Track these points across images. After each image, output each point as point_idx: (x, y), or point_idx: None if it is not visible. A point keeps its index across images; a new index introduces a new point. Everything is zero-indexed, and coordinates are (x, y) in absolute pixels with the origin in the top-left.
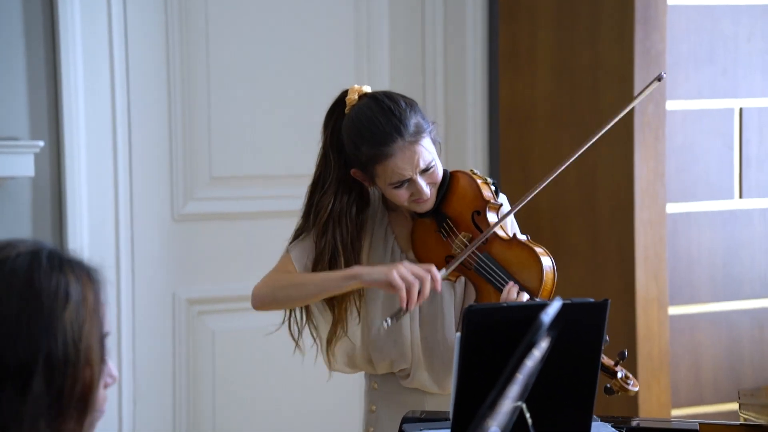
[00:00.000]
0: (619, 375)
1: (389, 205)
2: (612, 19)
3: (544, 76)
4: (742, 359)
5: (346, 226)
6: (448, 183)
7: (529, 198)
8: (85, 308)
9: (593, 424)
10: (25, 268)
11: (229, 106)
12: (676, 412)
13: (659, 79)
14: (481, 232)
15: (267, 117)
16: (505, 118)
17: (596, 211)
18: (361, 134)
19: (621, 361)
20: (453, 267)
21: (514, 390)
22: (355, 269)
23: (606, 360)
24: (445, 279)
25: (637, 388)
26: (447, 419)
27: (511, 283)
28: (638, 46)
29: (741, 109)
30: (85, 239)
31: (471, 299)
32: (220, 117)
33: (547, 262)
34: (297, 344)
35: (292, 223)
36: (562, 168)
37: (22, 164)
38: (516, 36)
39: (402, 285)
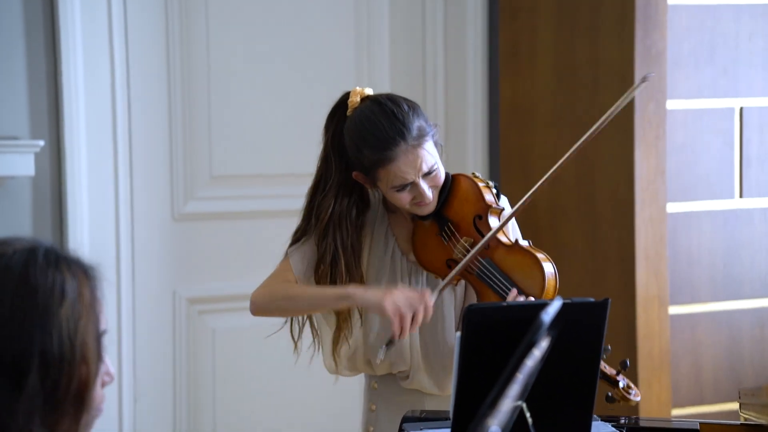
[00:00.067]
0: (621, 384)
1: (389, 207)
2: (612, 18)
3: (545, 75)
4: (742, 359)
5: (346, 228)
6: (449, 186)
7: (525, 201)
8: (81, 305)
9: (593, 423)
10: (21, 265)
11: (229, 105)
12: (676, 412)
13: (644, 80)
14: (483, 236)
15: (267, 116)
16: (506, 117)
17: (596, 211)
18: (363, 138)
19: (623, 371)
20: (452, 275)
21: (515, 389)
22: (349, 289)
23: (608, 369)
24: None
25: (638, 398)
26: (447, 419)
27: (514, 291)
28: (639, 45)
29: (741, 109)
30: (85, 239)
31: (471, 302)
32: (220, 116)
33: (548, 268)
34: (296, 345)
35: (293, 222)
36: (554, 169)
37: (23, 163)
38: (516, 35)
39: (395, 315)
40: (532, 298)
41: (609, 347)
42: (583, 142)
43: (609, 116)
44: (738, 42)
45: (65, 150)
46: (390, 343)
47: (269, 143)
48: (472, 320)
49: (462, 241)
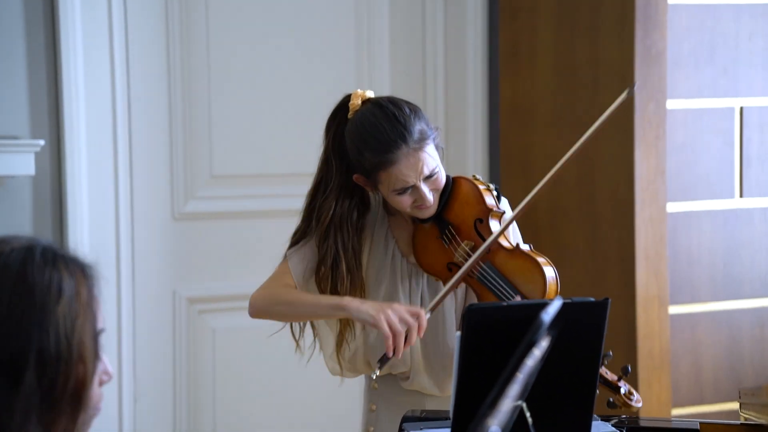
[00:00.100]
0: (623, 390)
1: (389, 209)
2: (612, 17)
3: (545, 75)
4: (742, 358)
5: (347, 231)
6: (450, 189)
7: (524, 206)
8: (78, 303)
9: (593, 423)
10: (19, 263)
11: (229, 105)
12: (676, 411)
13: (630, 92)
14: (484, 240)
15: (268, 115)
16: (506, 117)
17: (596, 210)
18: (364, 140)
19: (624, 377)
20: (452, 283)
21: (515, 389)
22: (345, 301)
23: (609, 375)
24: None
25: (640, 404)
26: (447, 418)
27: (517, 298)
28: (639, 44)
29: (742, 108)
30: (85, 238)
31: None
32: (220, 115)
33: (549, 272)
34: (297, 344)
35: (293, 222)
36: (549, 175)
37: (23, 163)
38: (516, 35)
39: (389, 333)
40: None
41: (610, 353)
42: (574, 151)
43: (595, 129)
44: (738, 42)
45: (65, 149)
46: (383, 360)
47: (269, 143)
48: (472, 320)
49: (463, 244)
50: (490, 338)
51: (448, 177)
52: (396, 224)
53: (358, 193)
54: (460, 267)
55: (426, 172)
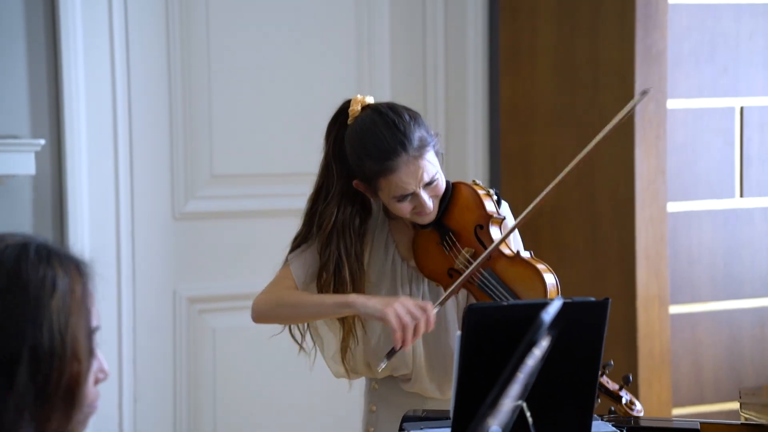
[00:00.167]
0: (624, 400)
1: (390, 213)
2: (613, 17)
3: (545, 75)
4: (743, 358)
5: (350, 236)
6: (450, 194)
7: (525, 216)
8: (72, 300)
9: (594, 423)
10: (13, 260)
11: (230, 104)
12: (676, 411)
13: (644, 93)
14: (484, 247)
15: (268, 115)
16: (506, 117)
17: (597, 210)
18: (364, 148)
19: (625, 386)
20: (453, 289)
21: (515, 389)
22: (351, 297)
23: (611, 385)
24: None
25: (641, 414)
26: (447, 418)
27: None
28: (639, 44)
29: (742, 108)
30: (85, 237)
31: None
32: (221, 115)
33: (550, 279)
34: (301, 347)
35: (293, 222)
36: (559, 178)
37: (23, 162)
38: (517, 35)
39: (398, 325)
40: None
41: (611, 362)
42: (581, 158)
43: (607, 131)
44: (738, 41)
45: (66, 149)
46: (391, 353)
47: (270, 142)
48: (472, 320)
49: (464, 252)
50: (491, 338)
51: (447, 182)
52: (396, 228)
53: (359, 198)
54: (460, 273)
55: (426, 179)
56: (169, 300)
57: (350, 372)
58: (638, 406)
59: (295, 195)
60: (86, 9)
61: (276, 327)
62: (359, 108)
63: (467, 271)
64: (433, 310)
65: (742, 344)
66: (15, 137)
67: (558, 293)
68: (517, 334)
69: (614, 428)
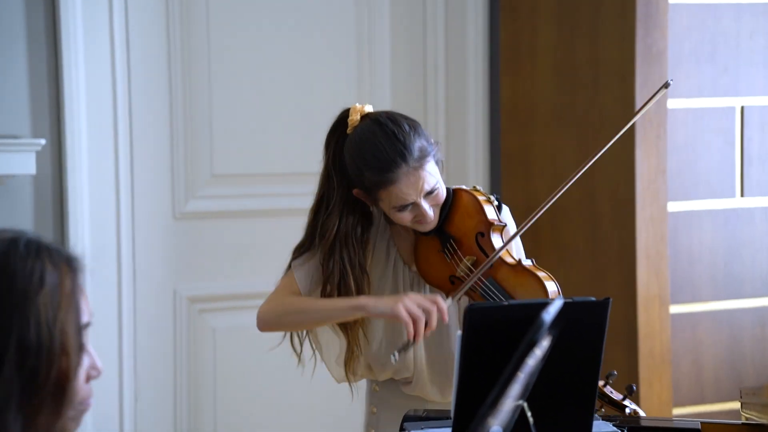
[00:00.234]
0: (628, 410)
1: (391, 219)
2: (613, 17)
3: (545, 75)
4: (743, 358)
5: (353, 246)
6: (450, 201)
7: (528, 224)
8: (61, 294)
9: (594, 422)
10: (2, 254)
11: (230, 104)
12: (677, 411)
13: (666, 86)
14: (486, 255)
15: (268, 115)
16: (506, 117)
17: (597, 210)
18: (364, 159)
19: (629, 396)
20: (459, 294)
21: (516, 389)
22: (362, 300)
23: (614, 395)
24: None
25: None
26: (448, 418)
27: None
28: (639, 44)
29: (742, 108)
30: (86, 237)
31: None
32: (221, 115)
33: (551, 287)
34: (299, 357)
35: (294, 221)
36: (569, 184)
37: (24, 162)
38: (517, 34)
39: (409, 319)
40: None
41: (615, 372)
42: (597, 157)
43: (630, 124)
44: (739, 41)
45: (66, 149)
46: (405, 347)
47: (270, 142)
48: (473, 319)
49: (465, 260)
50: (491, 338)
51: (448, 189)
52: (398, 234)
53: (360, 207)
54: (462, 280)
55: (426, 189)
56: (169, 300)
57: (352, 375)
58: (642, 416)
59: (296, 195)
60: (87, 9)
61: (275, 339)
62: (358, 117)
63: (469, 281)
64: (445, 302)
65: (743, 344)
66: (15, 137)
67: None
68: (517, 334)
69: (615, 428)
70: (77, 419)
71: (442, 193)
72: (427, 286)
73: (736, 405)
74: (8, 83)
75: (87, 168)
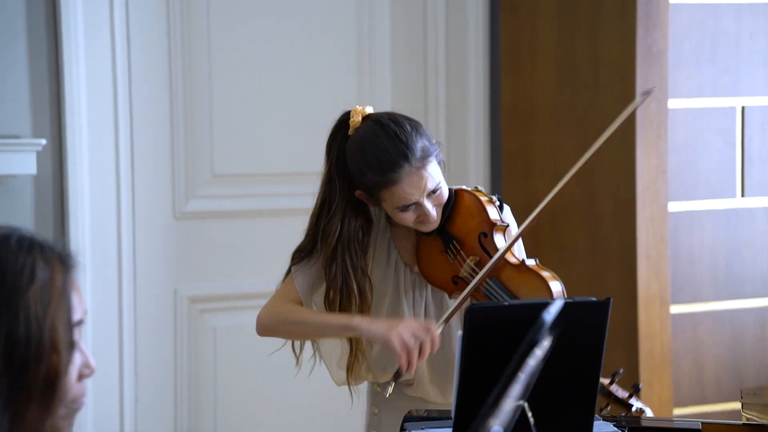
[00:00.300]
0: (634, 408)
1: (392, 220)
2: (613, 16)
3: (546, 74)
4: (744, 358)
5: (355, 250)
6: (452, 202)
7: (528, 224)
8: (52, 290)
9: (595, 423)
10: None
11: (231, 104)
12: (678, 411)
13: (648, 93)
14: (489, 255)
15: (269, 114)
16: (507, 117)
17: (598, 210)
18: (366, 160)
19: (636, 394)
20: (464, 295)
21: (516, 389)
22: (355, 321)
23: (620, 393)
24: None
25: None
26: (449, 418)
27: None
28: (640, 43)
29: (743, 108)
30: (86, 237)
31: None
32: (222, 115)
33: (556, 287)
34: (297, 360)
35: (294, 221)
36: (563, 183)
37: (24, 162)
38: (517, 34)
39: (402, 350)
40: None
41: (621, 371)
42: (585, 162)
43: (610, 132)
44: (739, 41)
45: (67, 148)
46: (397, 375)
47: (271, 142)
48: (474, 319)
49: (468, 260)
50: (492, 338)
51: (450, 189)
52: (398, 235)
53: (362, 210)
54: (465, 280)
55: (429, 188)
56: (169, 299)
57: (353, 380)
58: (648, 414)
59: (296, 195)
60: (87, 9)
61: (275, 341)
62: (360, 119)
63: (472, 283)
64: (437, 330)
65: (744, 344)
66: (16, 137)
67: None
68: (518, 334)
69: (615, 428)
70: (69, 418)
71: (445, 194)
72: (429, 287)
73: (736, 405)
74: (9, 83)
75: (88, 168)
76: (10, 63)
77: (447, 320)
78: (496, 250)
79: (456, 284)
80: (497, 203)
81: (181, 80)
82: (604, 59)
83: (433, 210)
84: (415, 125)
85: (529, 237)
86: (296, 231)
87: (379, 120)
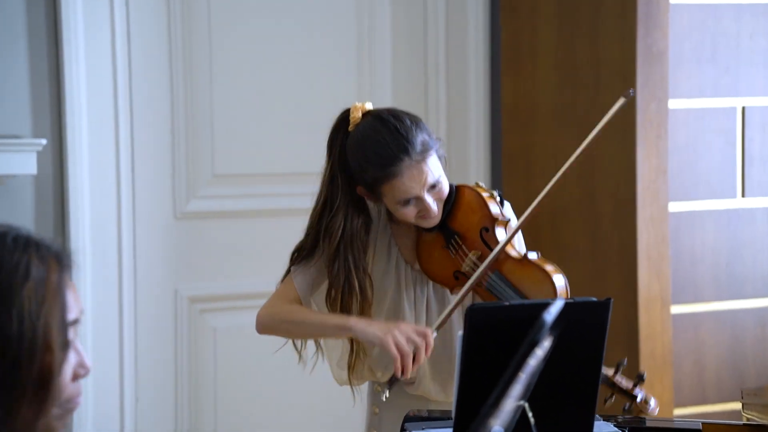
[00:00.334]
0: (639, 398)
1: (392, 217)
2: (614, 16)
3: (546, 74)
4: (745, 358)
5: (357, 247)
6: (453, 197)
7: (527, 217)
8: (47, 288)
9: (595, 423)
10: None
11: (231, 104)
12: (678, 411)
13: (626, 96)
14: (491, 249)
15: (270, 114)
16: (507, 117)
17: (598, 210)
18: (366, 155)
19: (640, 383)
20: (466, 289)
21: (517, 389)
22: (351, 322)
23: (624, 383)
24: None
25: (657, 410)
26: (449, 418)
27: None
28: (640, 44)
29: (743, 108)
30: (87, 237)
31: None
32: (222, 114)
33: (559, 281)
34: (300, 356)
35: (295, 221)
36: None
37: (25, 162)
38: (517, 34)
39: (397, 354)
40: None
41: (625, 361)
42: (572, 162)
43: (592, 137)
44: (739, 41)
45: (67, 148)
46: (392, 381)
47: (271, 142)
48: (474, 319)
49: (470, 255)
50: (493, 338)
51: (451, 185)
52: (399, 232)
53: (364, 207)
54: (467, 275)
55: (430, 181)
56: (170, 299)
57: (355, 379)
58: (653, 403)
59: (297, 195)
60: (87, 9)
61: (276, 341)
62: (360, 115)
63: (473, 276)
64: (432, 335)
65: (745, 344)
66: (16, 137)
67: (568, 294)
68: (519, 334)
69: (616, 428)
70: (63, 418)
71: (445, 188)
72: (431, 284)
73: (737, 406)
74: (9, 84)
75: (88, 168)
76: (10, 63)
77: (449, 314)
78: (498, 244)
79: (458, 279)
80: (498, 199)
81: (181, 80)
82: (605, 59)
83: (433, 204)
84: (415, 119)
85: (529, 237)
86: (296, 231)
87: (379, 115)
